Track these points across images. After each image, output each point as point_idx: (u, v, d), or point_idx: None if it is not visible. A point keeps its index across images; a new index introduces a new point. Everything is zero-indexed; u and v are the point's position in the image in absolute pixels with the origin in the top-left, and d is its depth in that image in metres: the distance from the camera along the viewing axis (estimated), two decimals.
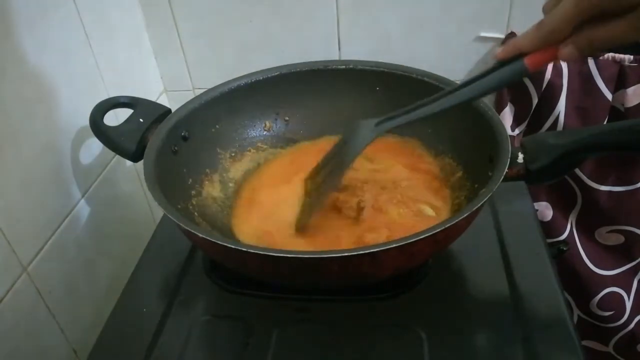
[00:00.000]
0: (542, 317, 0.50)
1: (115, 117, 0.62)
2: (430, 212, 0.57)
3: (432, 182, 0.61)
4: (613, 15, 0.35)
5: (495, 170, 0.48)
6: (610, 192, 0.76)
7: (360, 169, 0.62)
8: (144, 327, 0.52)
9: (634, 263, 0.81)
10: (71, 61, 0.61)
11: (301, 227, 0.56)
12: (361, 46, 0.76)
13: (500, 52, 0.42)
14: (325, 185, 0.55)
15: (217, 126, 0.65)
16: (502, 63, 0.42)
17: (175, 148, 0.59)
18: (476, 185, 0.55)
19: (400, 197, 0.59)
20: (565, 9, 0.36)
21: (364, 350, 0.48)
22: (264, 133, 0.69)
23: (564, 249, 0.72)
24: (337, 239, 0.55)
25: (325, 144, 0.68)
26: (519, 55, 0.41)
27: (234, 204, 0.62)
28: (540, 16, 0.39)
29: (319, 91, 0.68)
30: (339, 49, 0.77)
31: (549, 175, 0.50)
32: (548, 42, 0.38)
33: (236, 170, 0.66)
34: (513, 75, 0.42)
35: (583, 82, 0.70)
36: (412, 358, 0.47)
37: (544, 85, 0.70)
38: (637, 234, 0.78)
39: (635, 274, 0.82)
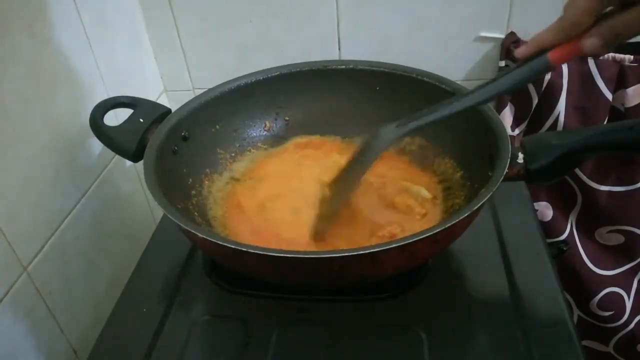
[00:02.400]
0: (542, 317, 0.50)
1: (115, 117, 0.62)
2: (426, 193, 0.58)
3: (430, 180, 0.62)
4: (634, 3, 0.34)
5: (495, 170, 0.48)
6: (610, 192, 0.76)
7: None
8: (144, 327, 0.52)
9: (634, 263, 0.81)
10: (71, 61, 0.61)
11: (319, 235, 0.55)
12: (361, 46, 0.76)
13: (521, 50, 0.41)
14: (343, 188, 0.54)
15: (217, 126, 0.65)
16: (525, 60, 0.41)
17: (175, 148, 0.59)
18: (476, 185, 0.55)
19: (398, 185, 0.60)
20: (585, 0, 0.35)
21: (364, 350, 0.48)
22: (264, 133, 0.69)
23: (564, 249, 0.72)
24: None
25: (324, 142, 0.69)
26: (541, 52, 0.40)
27: (234, 203, 0.62)
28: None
29: (319, 91, 0.68)
30: (339, 49, 0.77)
31: (549, 175, 0.50)
32: (570, 35, 0.37)
33: (236, 170, 0.66)
34: (537, 70, 0.41)
35: (583, 82, 0.70)
36: (412, 358, 0.47)
37: (544, 85, 0.70)
38: (637, 234, 0.78)
39: (635, 274, 0.82)
